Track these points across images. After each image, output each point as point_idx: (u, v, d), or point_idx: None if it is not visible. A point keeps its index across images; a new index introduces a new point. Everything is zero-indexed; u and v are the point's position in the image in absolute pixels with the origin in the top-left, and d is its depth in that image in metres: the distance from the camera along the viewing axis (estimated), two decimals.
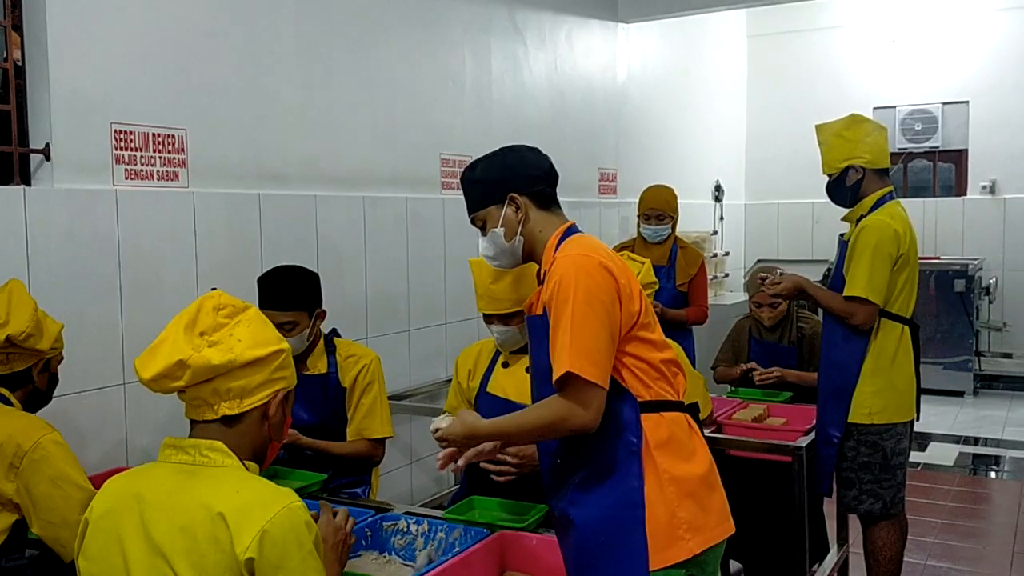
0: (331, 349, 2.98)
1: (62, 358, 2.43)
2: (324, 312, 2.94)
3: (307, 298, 2.86)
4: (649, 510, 1.83)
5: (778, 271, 3.51)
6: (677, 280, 4.55)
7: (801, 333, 3.96)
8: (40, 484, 2.14)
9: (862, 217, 3.25)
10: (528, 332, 2.06)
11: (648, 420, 1.88)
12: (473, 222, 2.12)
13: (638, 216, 4.60)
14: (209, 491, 1.53)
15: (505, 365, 2.74)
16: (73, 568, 2.13)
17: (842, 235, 3.37)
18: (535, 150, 2.12)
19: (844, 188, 3.30)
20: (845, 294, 3.16)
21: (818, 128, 3.39)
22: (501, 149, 2.11)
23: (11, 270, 2.63)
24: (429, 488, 4.44)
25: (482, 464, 2.37)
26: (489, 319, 2.64)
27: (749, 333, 4.10)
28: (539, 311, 1.97)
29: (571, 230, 2.03)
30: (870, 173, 3.26)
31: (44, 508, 2.15)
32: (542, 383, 1.98)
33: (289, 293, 2.81)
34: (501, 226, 2.04)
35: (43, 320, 2.30)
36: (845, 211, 3.38)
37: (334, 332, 3.07)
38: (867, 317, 3.16)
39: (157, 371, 1.56)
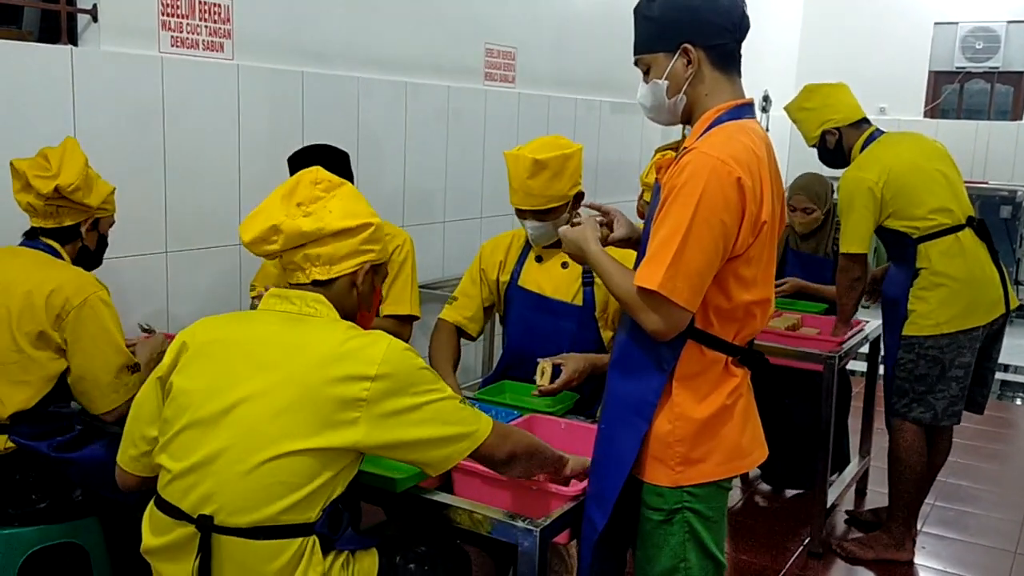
0: None
1: (113, 222, 2.46)
2: None
3: (336, 175, 2.83)
4: (653, 428, 1.79)
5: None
6: None
7: (837, 245, 3.90)
8: (82, 339, 2.20)
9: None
10: (652, 198, 1.86)
11: (690, 348, 1.77)
12: (636, 63, 1.86)
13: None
14: (319, 336, 1.63)
15: (539, 259, 2.71)
16: (115, 417, 2.24)
17: None
18: None
19: (829, 152, 3.41)
20: (843, 251, 3.25)
21: (786, 110, 3.56)
22: None
23: (58, 130, 2.64)
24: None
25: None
26: (523, 214, 2.60)
27: (786, 243, 4.05)
28: (663, 179, 1.78)
29: (738, 111, 1.78)
30: (846, 129, 3.36)
31: (78, 362, 2.21)
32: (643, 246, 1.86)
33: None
34: (666, 79, 1.79)
35: (94, 177, 2.32)
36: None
37: None
38: (859, 270, 3.26)
39: (255, 234, 1.69)
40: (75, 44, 2.81)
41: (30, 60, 2.62)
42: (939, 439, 3.41)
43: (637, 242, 1.96)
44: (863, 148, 3.30)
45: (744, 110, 1.81)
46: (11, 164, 2.27)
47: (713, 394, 1.81)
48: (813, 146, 3.46)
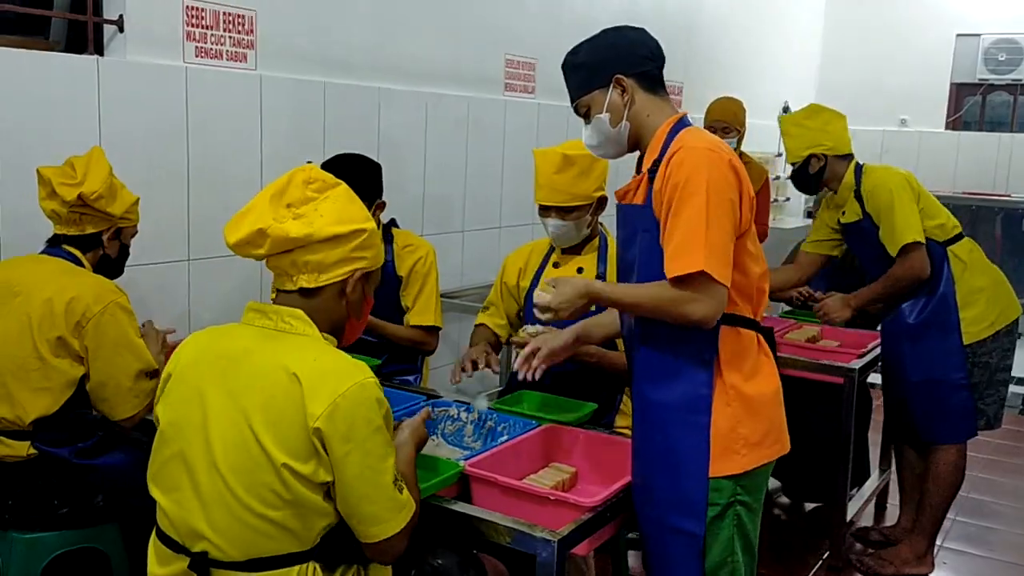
0: (389, 239, 3.00)
1: (136, 232, 2.48)
2: (384, 203, 2.95)
3: (367, 187, 2.85)
4: (713, 420, 1.83)
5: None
6: None
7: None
8: (102, 346, 2.22)
9: (856, 192, 3.25)
10: (619, 222, 1.99)
11: (726, 333, 1.85)
12: (576, 110, 2.02)
13: (704, 127, 4.48)
14: (288, 355, 1.57)
15: (556, 265, 2.74)
16: (135, 423, 2.26)
17: (838, 221, 3.35)
18: (641, 29, 2.00)
19: (808, 176, 3.37)
20: (902, 243, 3.11)
21: (780, 120, 3.52)
22: (604, 30, 1.99)
23: (84, 140, 2.67)
24: (474, 386, 4.51)
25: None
26: (546, 212, 2.63)
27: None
28: (638, 200, 1.90)
29: (684, 121, 1.92)
30: (832, 159, 3.32)
31: (98, 368, 2.23)
32: (625, 275, 1.96)
33: (350, 181, 2.80)
34: (606, 111, 1.94)
35: (118, 187, 2.35)
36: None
37: (392, 222, 3.09)
38: (922, 260, 3.14)
39: (240, 237, 1.60)
40: (101, 54, 2.85)
41: (57, 70, 2.66)
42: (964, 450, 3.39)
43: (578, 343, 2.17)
44: (855, 174, 3.28)
45: (686, 121, 1.94)
46: (37, 171, 2.30)
47: (759, 375, 1.90)
48: (792, 163, 3.42)
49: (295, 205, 1.62)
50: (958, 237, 3.23)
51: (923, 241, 3.12)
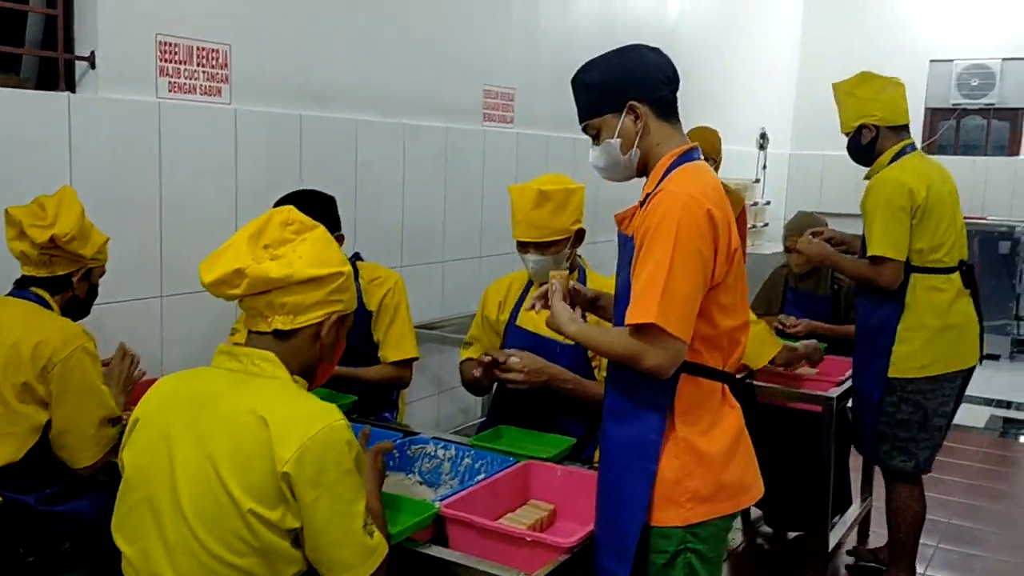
0: (354, 273, 2.96)
1: (104, 271, 2.45)
2: (342, 236, 2.90)
3: (324, 222, 2.79)
4: (660, 468, 1.80)
5: (826, 226, 3.46)
6: None
7: (837, 284, 3.90)
8: (67, 392, 2.18)
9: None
10: (618, 245, 1.94)
11: (685, 382, 1.80)
12: (585, 129, 1.94)
13: None
14: (257, 399, 1.54)
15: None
16: (101, 470, 2.21)
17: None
18: (657, 50, 1.92)
19: (860, 147, 3.28)
20: (868, 255, 3.11)
21: (834, 87, 3.38)
22: (620, 49, 1.90)
23: (54, 177, 2.65)
24: (456, 418, 4.48)
25: (499, 373, 2.43)
26: (524, 247, 2.62)
27: (785, 283, 4.04)
28: (630, 231, 1.85)
29: (689, 155, 1.86)
30: (884, 130, 3.23)
31: (62, 414, 2.19)
32: (617, 301, 1.92)
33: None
34: (617, 136, 1.87)
35: (89, 227, 2.31)
36: (865, 170, 3.32)
37: (356, 256, 3.06)
38: (893, 274, 3.10)
39: (216, 276, 1.58)
40: (73, 91, 2.83)
41: (28, 107, 2.64)
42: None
43: (592, 304, 2.12)
44: (895, 157, 3.19)
45: (693, 153, 1.88)
46: (6, 212, 2.26)
47: (717, 427, 1.84)
48: (846, 133, 3.33)
49: (273, 246, 1.61)
50: (938, 270, 3.14)
51: (895, 258, 3.07)
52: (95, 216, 2.46)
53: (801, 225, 3.82)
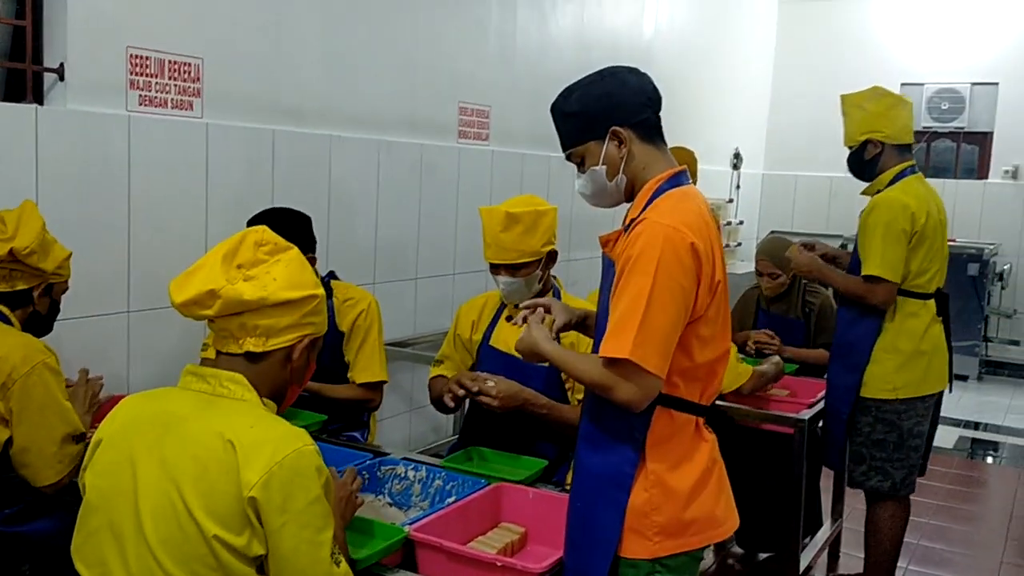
0: (328, 292, 2.92)
1: (67, 287, 2.40)
2: (314, 258, 2.85)
3: (299, 240, 2.75)
4: (630, 499, 1.77)
5: (815, 245, 3.47)
6: None
7: (809, 307, 3.90)
8: (28, 408, 2.13)
9: (878, 192, 3.20)
10: (603, 271, 1.91)
11: (659, 415, 1.76)
12: (569, 158, 1.90)
13: None
14: (224, 421, 1.51)
15: (509, 319, 2.70)
16: (58, 488, 2.16)
17: (862, 212, 3.31)
18: (636, 71, 1.88)
19: (862, 161, 3.26)
20: (863, 273, 3.12)
21: (842, 98, 3.34)
22: (599, 73, 1.86)
23: (20, 190, 2.60)
24: (427, 436, 4.45)
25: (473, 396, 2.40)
26: (496, 270, 2.60)
27: (757, 304, 4.05)
28: (613, 256, 1.82)
29: (676, 179, 1.82)
30: (889, 148, 3.22)
31: (23, 432, 2.14)
32: (603, 328, 1.86)
33: (281, 234, 2.70)
34: (602, 164, 1.83)
35: (50, 241, 2.28)
36: (864, 185, 3.33)
37: (331, 275, 3.03)
38: (886, 295, 3.11)
39: (188, 297, 1.54)
40: (40, 103, 2.78)
41: None
42: (904, 501, 3.39)
43: (579, 323, 2.05)
44: (897, 177, 3.19)
45: (681, 177, 1.84)
46: None
47: (688, 462, 1.81)
48: (849, 146, 3.30)
49: (245, 267, 1.58)
50: (917, 295, 3.17)
51: (891, 280, 3.07)
52: (61, 230, 2.42)
53: (772, 248, 3.83)
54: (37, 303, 2.29)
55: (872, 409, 3.19)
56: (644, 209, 1.78)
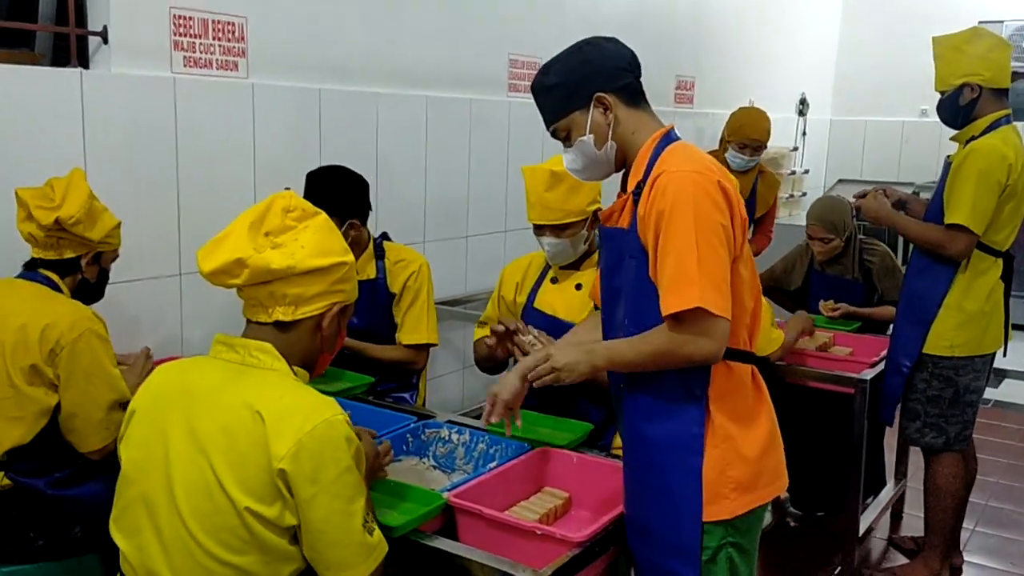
0: (380, 254, 2.91)
1: (116, 256, 2.42)
2: (357, 223, 2.79)
3: (341, 203, 2.71)
4: (704, 462, 1.75)
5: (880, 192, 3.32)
6: (756, 212, 4.37)
7: (867, 266, 3.73)
8: (75, 375, 2.16)
9: (972, 139, 3.01)
10: (602, 245, 1.90)
11: (717, 368, 1.74)
12: (554, 134, 1.86)
13: (728, 141, 4.26)
14: (253, 392, 1.51)
15: (554, 281, 2.66)
16: (103, 455, 2.20)
17: (948, 157, 3.12)
18: (613, 40, 1.86)
19: (957, 107, 3.06)
20: (946, 221, 2.96)
21: (935, 40, 3.13)
22: (574, 45, 1.85)
23: (69, 155, 2.63)
24: (479, 395, 4.44)
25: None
26: (540, 230, 2.54)
27: (810, 264, 3.87)
28: (623, 224, 1.79)
29: (670, 136, 1.80)
30: (987, 92, 3.01)
31: (70, 397, 2.17)
32: (611, 302, 1.86)
33: (323, 194, 2.66)
34: (589, 133, 1.80)
35: (98, 210, 2.29)
36: (953, 132, 3.14)
37: (384, 236, 3.01)
38: (966, 247, 2.97)
39: (216, 266, 1.53)
40: (86, 67, 2.79)
41: (40, 84, 2.61)
42: (967, 459, 3.27)
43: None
44: (993, 125, 3.01)
45: (672, 135, 1.83)
46: (16, 193, 2.24)
47: (751, 413, 1.81)
48: (940, 91, 3.09)
49: (273, 233, 1.56)
50: (990, 250, 3.02)
51: (974, 231, 2.93)
52: (110, 194, 2.43)
53: (823, 211, 3.65)
54: (85, 271, 2.31)
55: (929, 365, 3.09)
56: (649, 169, 1.75)
